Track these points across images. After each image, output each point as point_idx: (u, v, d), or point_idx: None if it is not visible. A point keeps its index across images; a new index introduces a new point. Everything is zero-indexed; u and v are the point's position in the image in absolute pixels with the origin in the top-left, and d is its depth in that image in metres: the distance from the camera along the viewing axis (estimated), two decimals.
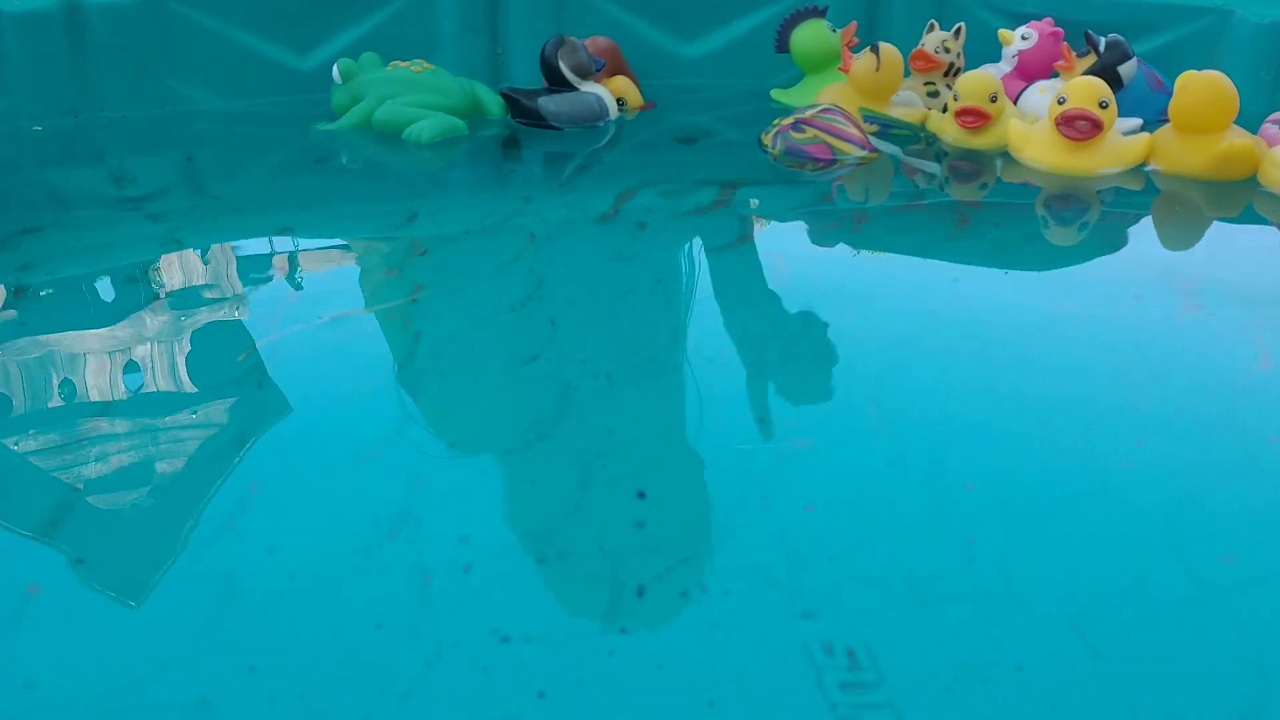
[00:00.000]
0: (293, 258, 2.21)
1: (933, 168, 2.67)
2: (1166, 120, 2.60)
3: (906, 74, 2.87)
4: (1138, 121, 2.73)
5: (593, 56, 2.87)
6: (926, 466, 1.49)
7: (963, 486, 1.45)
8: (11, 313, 1.92)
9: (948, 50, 2.87)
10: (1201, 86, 2.49)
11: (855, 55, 2.82)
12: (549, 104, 2.85)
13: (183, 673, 1.14)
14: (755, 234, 2.39)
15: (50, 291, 2.03)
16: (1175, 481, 1.48)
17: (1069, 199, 2.52)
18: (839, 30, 2.96)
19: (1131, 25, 2.99)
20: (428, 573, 1.27)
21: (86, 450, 1.51)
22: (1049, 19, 2.89)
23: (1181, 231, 2.46)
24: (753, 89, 3.15)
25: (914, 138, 2.80)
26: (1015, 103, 2.80)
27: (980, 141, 2.69)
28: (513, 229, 2.31)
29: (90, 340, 1.83)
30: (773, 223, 2.46)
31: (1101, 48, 2.74)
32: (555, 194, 2.57)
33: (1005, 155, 2.66)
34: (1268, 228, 2.39)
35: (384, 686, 1.11)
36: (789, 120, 2.66)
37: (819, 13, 2.98)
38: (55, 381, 1.70)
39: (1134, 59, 2.76)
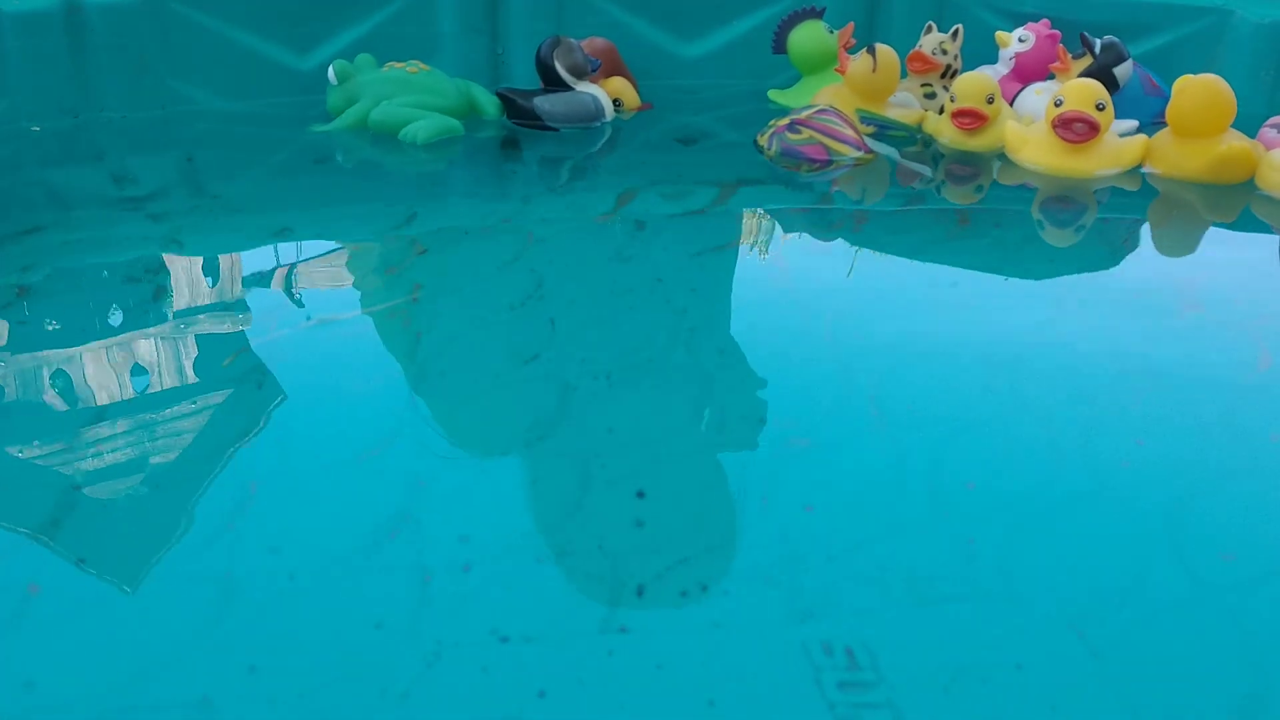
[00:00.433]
0: (293, 258, 2.21)
1: (925, 170, 2.67)
2: (1162, 123, 2.60)
3: (904, 75, 2.87)
4: (1134, 123, 2.73)
5: (589, 57, 2.87)
6: (926, 466, 1.49)
7: (963, 486, 1.45)
8: (12, 312, 1.92)
9: (945, 52, 2.87)
10: (1199, 90, 2.49)
11: (852, 56, 2.82)
12: (545, 104, 2.85)
13: (183, 672, 1.14)
14: (755, 234, 2.39)
15: (51, 291, 2.03)
16: (1175, 481, 1.48)
17: (1066, 200, 2.52)
18: (836, 31, 2.96)
19: (1131, 25, 3.00)
20: (428, 572, 1.27)
21: (87, 449, 1.51)
22: (1046, 20, 2.89)
23: (1179, 234, 2.46)
24: (752, 89, 3.16)
25: (910, 139, 2.80)
26: (1011, 104, 2.81)
27: (977, 143, 2.69)
28: (512, 229, 2.32)
29: (91, 340, 1.83)
30: (772, 223, 2.46)
31: (1097, 49, 2.74)
32: (555, 194, 2.58)
33: (1002, 157, 2.66)
34: (1266, 231, 2.39)
35: (384, 686, 1.11)
36: (784, 121, 2.66)
37: (816, 14, 2.99)
38: (56, 381, 1.70)
39: (1129, 61, 2.77)
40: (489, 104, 2.92)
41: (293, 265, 2.17)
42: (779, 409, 1.65)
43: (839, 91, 2.83)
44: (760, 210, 2.52)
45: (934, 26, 2.91)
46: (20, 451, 1.52)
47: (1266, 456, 1.53)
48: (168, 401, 1.64)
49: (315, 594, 1.25)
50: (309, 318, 1.97)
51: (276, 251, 2.24)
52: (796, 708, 1.10)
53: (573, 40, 2.87)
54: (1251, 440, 1.57)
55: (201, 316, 1.92)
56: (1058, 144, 2.54)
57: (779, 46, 3.02)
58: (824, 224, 2.44)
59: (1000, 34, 2.91)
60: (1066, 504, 1.42)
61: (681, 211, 2.41)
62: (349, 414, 1.62)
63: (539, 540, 1.35)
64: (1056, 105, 2.51)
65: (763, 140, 2.69)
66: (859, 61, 2.79)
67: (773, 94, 3.11)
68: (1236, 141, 2.48)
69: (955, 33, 2.88)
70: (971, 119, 2.66)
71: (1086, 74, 2.69)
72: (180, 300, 1.99)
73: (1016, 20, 2.98)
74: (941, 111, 2.77)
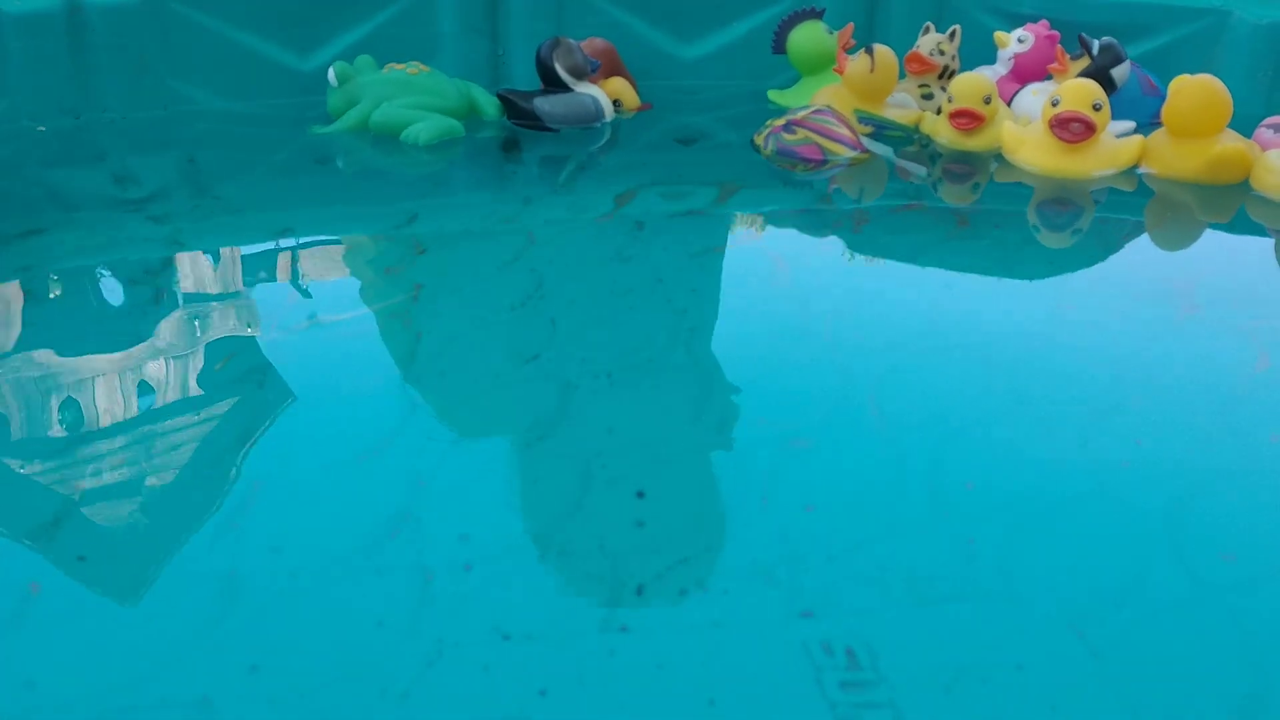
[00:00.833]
0: (294, 258, 2.21)
1: (920, 171, 2.67)
2: (1159, 123, 2.60)
3: (902, 76, 2.87)
4: (1131, 124, 2.73)
5: (588, 57, 2.87)
6: (926, 466, 1.49)
7: (963, 486, 1.46)
8: (13, 313, 1.92)
9: (943, 52, 2.87)
10: (1195, 90, 2.49)
11: (850, 57, 2.83)
12: (544, 105, 2.85)
13: (184, 672, 1.14)
14: (755, 234, 2.40)
15: (52, 292, 2.03)
16: (1175, 481, 1.48)
17: (1063, 201, 2.52)
18: (836, 32, 2.97)
19: (1130, 26, 3.00)
20: (428, 572, 1.27)
21: (88, 449, 1.52)
22: (1045, 21, 2.90)
23: (1175, 234, 2.46)
24: (752, 90, 3.16)
25: (908, 139, 2.80)
26: (1008, 105, 2.81)
27: (974, 143, 2.69)
28: (513, 229, 2.32)
29: (92, 340, 1.83)
30: (772, 223, 2.47)
31: (1095, 50, 2.75)
32: (555, 194, 2.58)
33: (999, 157, 2.66)
34: (1261, 232, 2.39)
35: (385, 685, 1.11)
36: (781, 121, 2.67)
37: (816, 14, 2.99)
38: (57, 382, 1.70)
39: (1127, 62, 2.77)
40: (489, 105, 2.92)
41: (294, 266, 2.17)
42: (779, 409, 1.65)
43: (837, 92, 2.84)
44: (760, 210, 2.52)
45: (931, 27, 2.92)
46: (21, 452, 1.52)
47: (1265, 457, 1.54)
48: (169, 401, 1.65)
49: (316, 593, 1.26)
50: (310, 318, 1.98)
51: (277, 252, 2.24)
52: (797, 707, 1.10)
53: (572, 41, 2.87)
54: (1250, 440, 1.57)
55: (202, 317, 1.92)
56: (1054, 144, 2.54)
57: (778, 47, 3.02)
58: (824, 224, 2.44)
59: (999, 35, 2.91)
60: (1066, 504, 1.42)
61: (681, 211, 2.41)
62: (350, 413, 1.63)
63: (540, 539, 1.35)
64: (1053, 105, 2.51)
65: (759, 140, 2.69)
66: (857, 62, 2.79)
67: (772, 94, 3.11)
68: (1232, 142, 2.48)
69: (952, 34, 2.88)
70: (968, 119, 2.66)
71: (1084, 75, 2.69)
72: (181, 301, 1.99)
73: (1015, 21, 2.98)
74: (939, 112, 2.77)
